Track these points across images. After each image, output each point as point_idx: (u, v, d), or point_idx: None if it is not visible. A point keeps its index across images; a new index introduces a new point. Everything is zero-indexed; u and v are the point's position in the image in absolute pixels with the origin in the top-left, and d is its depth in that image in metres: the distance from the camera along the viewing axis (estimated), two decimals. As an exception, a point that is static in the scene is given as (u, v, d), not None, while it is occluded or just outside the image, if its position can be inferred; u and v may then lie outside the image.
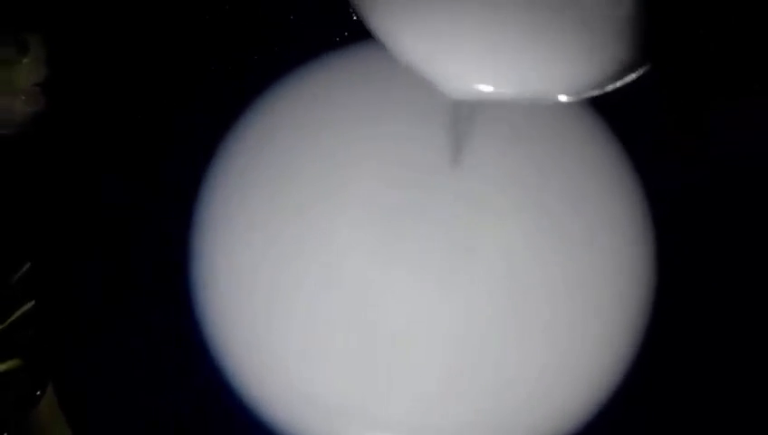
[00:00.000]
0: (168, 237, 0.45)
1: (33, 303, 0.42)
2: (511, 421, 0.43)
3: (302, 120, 0.47)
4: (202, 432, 0.43)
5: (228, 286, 0.45)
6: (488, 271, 0.44)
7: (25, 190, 0.44)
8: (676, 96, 0.43)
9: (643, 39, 0.35)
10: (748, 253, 0.43)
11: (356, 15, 0.36)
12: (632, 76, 0.34)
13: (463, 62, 0.34)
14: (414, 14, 0.35)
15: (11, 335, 0.41)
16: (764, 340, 0.41)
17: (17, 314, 0.41)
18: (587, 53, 0.34)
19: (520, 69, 0.34)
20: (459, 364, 0.43)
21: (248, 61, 0.48)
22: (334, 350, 0.44)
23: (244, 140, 0.47)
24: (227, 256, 0.45)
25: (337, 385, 0.43)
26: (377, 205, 0.46)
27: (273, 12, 0.47)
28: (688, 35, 0.35)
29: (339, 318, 0.44)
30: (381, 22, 0.35)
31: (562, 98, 0.35)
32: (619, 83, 0.35)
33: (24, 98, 0.44)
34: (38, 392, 0.40)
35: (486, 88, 0.34)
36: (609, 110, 0.47)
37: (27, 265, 0.42)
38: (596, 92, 0.35)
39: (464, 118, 0.43)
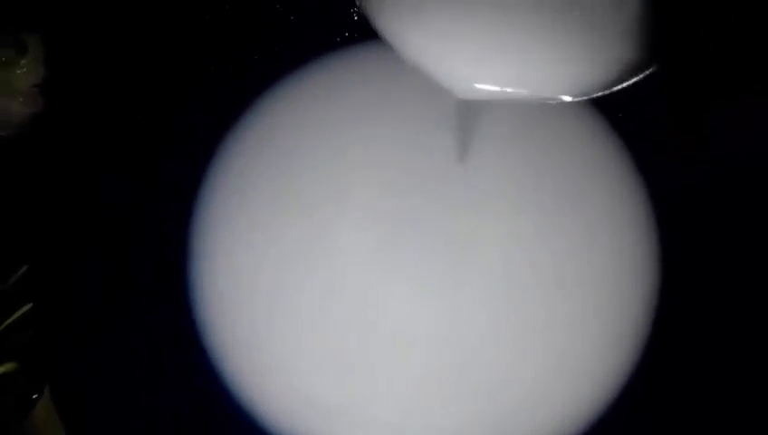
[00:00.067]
0: (167, 237, 0.45)
1: (30, 305, 0.41)
2: (511, 423, 0.43)
3: (302, 121, 0.47)
4: (201, 432, 0.43)
5: (227, 287, 0.45)
6: (489, 273, 0.44)
7: (23, 192, 0.43)
8: (677, 96, 0.43)
9: (648, 40, 0.35)
10: (748, 253, 0.43)
11: (359, 16, 0.36)
12: (638, 77, 0.35)
13: (470, 63, 0.35)
14: (421, 15, 0.35)
15: (8, 338, 0.41)
16: (764, 340, 0.42)
17: (14, 316, 0.41)
18: (593, 53, 0.35)
19: (527, 69, 0.35)
20: (459, 366, 0.43)
21: (248, 61, 0.47)
22: (333, 351, 0.44)
23: (244, 140, 0.47)
24: (226, 256, 0.45)
25: (335, 386, 0.43)
26: (377, 206, 0.45)
27: (273, 12, 0.47)
28: (689, 36, 0.35)
29: (338, 320, 0.44)
30: (389, 23, 0.35)
31: (568, 98, 0.35)
32: (624, 84, 0.35)
33: (21, 99, 0.44)
34: (35, 396, 0.40)
35: (494, 88, 0.35)
36: (609, 111, 0.46)
37: (24, 268, 0.42)
38: (601, 93, 0.35)
39: (468, 119, 0.43)
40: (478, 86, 0.35)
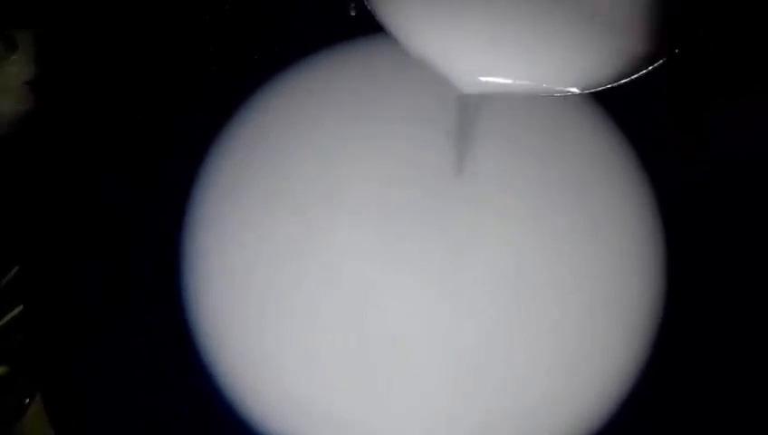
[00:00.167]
0: (167, 237, 0.45)
1: (20, 308, 0.41)
2: (518, 425, 0.43)
3: (297, 118, 0.47)
4: (201, 432, 0.43)
5: (224, 287, 0.44)
6: (491, 271, 0.44)
7: (14, 191, 0.43)
8: (677, 96, 0.43)
9: (657, 32, 0.35)
10: (748, 253, 0.43)
11: (357, 12, 0.36)
12: (645, 70, 0.34)
13: (476, 55, 0.34)
14: (427, 6, 0.35)
15: (-2, 341, 0.41)
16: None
17: (5, 319, 0.41)
18: (600, 45, 0.34)
19: (534, 61, 0.34)
20: (462, 368, 0.43)
21: (244, 58, 0.47)
22: (331, 353, 0.43)
23: (240, 138, 0.47)
24: (224, 256, 0.45)
25: (334, 387, 0.43)
26: (374, 205, 0.45)
27: (268, 7, 0.47)
28: (695, 28, 0.35)
29: (335, 321, 0.44)
30: (394, 15, 0.35)
31: (574, 90, 0.35)
32: (631, 77, 0.35)
33: (12, 97, 0.43)
34: (27, 401, 0.40)
35: (500, 80, 0.34)
36: (608, 110, 0.46)
37: (15, 269, 0.42)
38: (608, 86, 0.35)
39: (469, 115, 0.42)
40: (484, 79, 0.35)
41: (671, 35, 0.35)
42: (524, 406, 0.43)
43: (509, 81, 0.34)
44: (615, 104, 0.46)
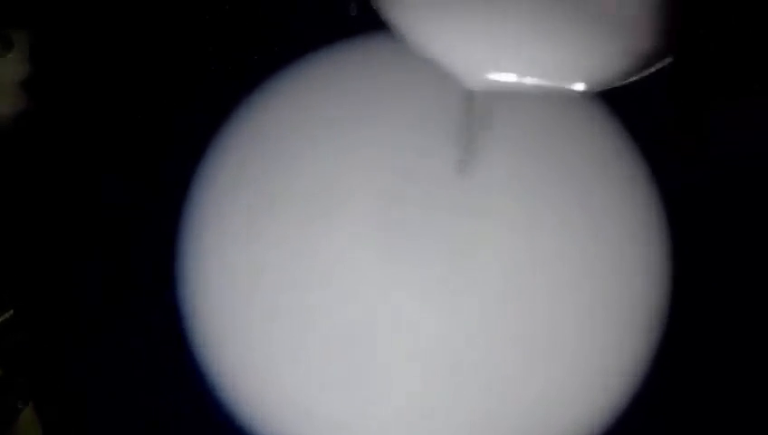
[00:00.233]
0: (166, 237, 0.45)
1: (11, 312, 0.41)
2: (520, 426, 0.42)
3: (297, 118, 0.47)
4: (200, 433, 0.43)
5: (222, 287, 0.44)
6: (495, 278, 0.44)
7: (10, 191, 0.43)
8: (677, 96, 0.43)
9: (664, 31, 0.35)
10: (748, 254, 0.43)
11: (358, 9, 0.35)
12: (654, 67, 0.34)
13: (483, 51, 0.34)
14: (432, 2, 0.35)
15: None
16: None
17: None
18: (606, 43, 0.34)
19: (539, 58, 0.34)
20: (462, 369, 0.43)
21: (244, 58, 0.47)
22: (330, 355, 0.43)
23: (238, 137, 0.47)
24: (221, 256, 0.45)
25: (331, 390, 0.43)
26: (375, 203, 0.45)
27: (270, 7, 0.47)
28: (694, 32, 0.35)
29: (335, 321, 0.43)
30: (397, 11, 0.35)
31: (580, 88, 0.34)
32: (639, 75, 0.35)
33: (6, 96, 0.43)
34: (20, 406, 0.40)
35: (506, 78, 0.34)
36: (615, 111, 0.46)
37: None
38: (613, 84, 0.35)
39: (474, 116, 0.42)
40: (491, 76, 0.34)
41: (678, 34, 0.35)
42: (525, 407, 0.42)
43: (516, 78, 0.34)
44: (620, 103, 0.46)
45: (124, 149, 0.45)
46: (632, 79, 0.35)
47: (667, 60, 0.35)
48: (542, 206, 0.45)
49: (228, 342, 0.43)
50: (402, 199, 0.45)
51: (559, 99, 0.35)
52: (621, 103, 0.46)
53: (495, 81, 0.34)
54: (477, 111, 0.41)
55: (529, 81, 0.34)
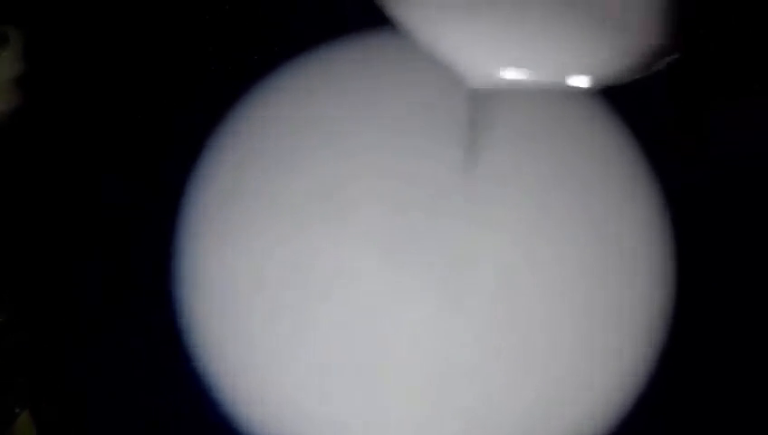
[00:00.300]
0: (166, 237, 0.45)
1: (4, 317, 0.41)
2: (522, 426, 0.42)
3: (297, 117, 0.47)
4: (200, 433, 0.43)
5: (221, 288, 0.44)
6: (495, 274, 0.44)
7: (7, 191, 0.43)
8: (676, 96, 0.43)
9: (666, 30, 0.35)
10: (748, 254, 0.43)
11: (357, 6, 0.35)
12: (656, 67, 0.35)
13: (488, 48, 0.34)
14: (439, 1, 0.35)
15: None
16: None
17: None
18: (611, 40, 0.34)
19: (545, 56, 0.34)
20: (462, 371, 0.42)
21: (244, 58, 0.47)
22: (329, 358, 0.43)
23: (238, 137, 0.46)
24: (220, 256, 0.44)
25: (332, 393, 0.42)
26: (376, 202, 0.45)
27: (269, 7, 0.47)
28: (694, 32, 0.35)
29: (335, 322, 0.43)
30: (401, 6, 0.35)
31: (584, 84, 0.34)
32: (646, 72, 0.35)
33: (0, 93, 0.43)
34: (17, 410, 0.40)
35: (512, 75, 0.34)
36: (618, 109, 0.46)
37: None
38: (618, 82, 0.35)
39: (479, 111, 0.42)
40: (497, 73, 0.34)
41: (680, 33, 0.35)
42: (528, 408, 0.42)
43: (521, 75, 0.34)
44: (622, 103, 0.46)
45: (122, 148, 0.45)
46: (635, 77, 0.35)
47: (670, 58, 0.35)
48: (544, 205, 0.45)
49: (227, 342, 0.43)
50: (404, 200, 0.45)
51: (560, 97, 0.35)
52: (623, 103, 0.46)
53: (499, 78, 0.34)
54: (480, 110, 0.41)
55: (533, 78, 0.34)
